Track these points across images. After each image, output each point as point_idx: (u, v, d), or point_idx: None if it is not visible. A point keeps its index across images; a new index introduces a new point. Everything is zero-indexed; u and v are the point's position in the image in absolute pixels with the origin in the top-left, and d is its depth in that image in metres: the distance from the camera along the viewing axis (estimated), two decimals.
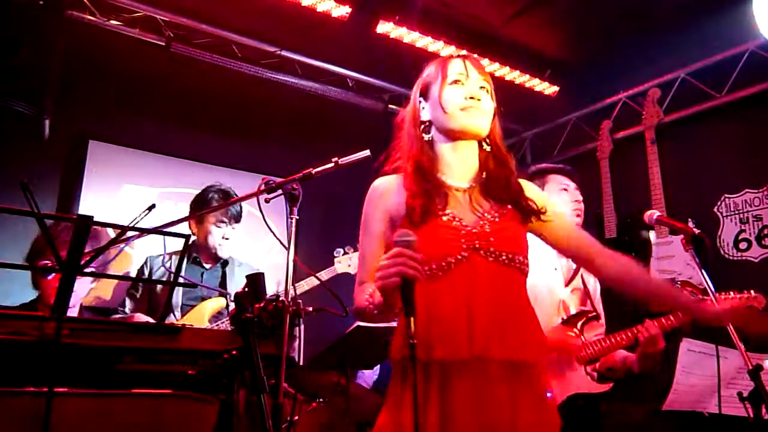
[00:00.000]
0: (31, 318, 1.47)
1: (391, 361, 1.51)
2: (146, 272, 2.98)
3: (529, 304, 1.51)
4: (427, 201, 1.50)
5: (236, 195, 3.11)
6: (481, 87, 1.59)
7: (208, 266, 3.06)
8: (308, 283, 3.00)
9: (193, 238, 3.13)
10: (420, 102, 1.65)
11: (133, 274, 3.23)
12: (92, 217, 1.44)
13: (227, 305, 2.94)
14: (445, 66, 1.61)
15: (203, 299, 2.96)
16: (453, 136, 1.58)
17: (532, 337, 1.46)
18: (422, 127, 1.62)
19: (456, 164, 1.59)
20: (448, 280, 1.43)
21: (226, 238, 3.05)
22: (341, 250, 3.24)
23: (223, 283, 3.05)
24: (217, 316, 2.94)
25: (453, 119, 1.56)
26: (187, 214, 3.16)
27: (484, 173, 1.60)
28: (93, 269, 2.55)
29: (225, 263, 3.08)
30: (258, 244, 3.50)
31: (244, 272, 3.12)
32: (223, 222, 3.04)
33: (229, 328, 2.81)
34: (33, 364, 1.40)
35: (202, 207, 3.03)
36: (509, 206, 1.55)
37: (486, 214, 1.52)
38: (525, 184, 1.66)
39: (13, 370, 1.40)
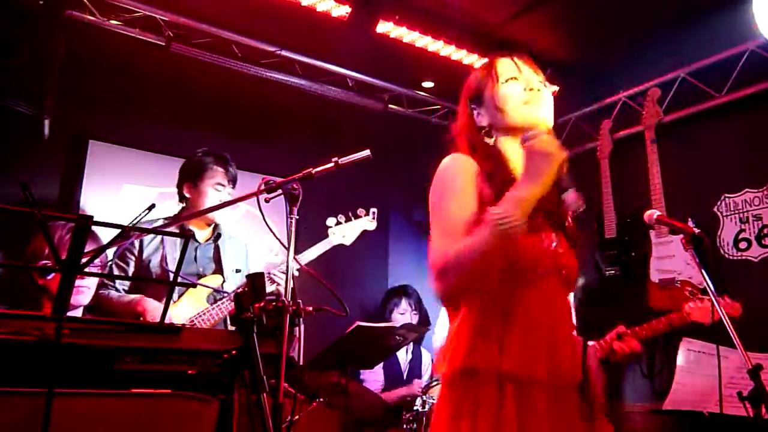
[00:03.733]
0: (31, 318, 1.47)
1: (451, 373, 1.41)
2: (137, 244, 2.86)
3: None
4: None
5: (229, 160, 3.08)
6: (539, 80, 1.53)
7: (201, 238, 2.98)
8: (308, 256, 2.98)
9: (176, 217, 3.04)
10: (474, 109, 1.57)
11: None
12: (92, 217, 1.44)
13: (223, 282, 2.89)
14: (494, 66, 1.54)
15: (199, 276, 2.90)
16: (518, 131, 1.49)
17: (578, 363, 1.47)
18: (483, 132, 1.54)
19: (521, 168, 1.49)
20: (526, 295, 1.38)
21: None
22: (334, 220, 3.14)
23: (216, 257, 2.98)
24: (214, 295, 2.88)
25: (516, 115, 1.49)
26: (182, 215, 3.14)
27: None
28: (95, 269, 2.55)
29: (217, 236, 3.02)
30: (258, 242, 3.49)
31: (233, 246, 3.08)
32: (221, 185, 2.99)
33: (229, 308, 2.77)
34: (33, 364, 1.40)
35: (196, 173, 2.98)
36: (561, 230, 1.49)
37: (552, 234, 1.45)
38: None
39: (13, 370, 1.40)
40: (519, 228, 1.27)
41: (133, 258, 2.86)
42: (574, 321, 1.54)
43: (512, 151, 1.52)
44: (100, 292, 2.77)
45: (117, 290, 2.82)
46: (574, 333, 1.48)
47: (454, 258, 1.32)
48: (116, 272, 2.85)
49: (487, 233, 1.29)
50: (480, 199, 1.41)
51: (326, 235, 3.11)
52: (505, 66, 1.54)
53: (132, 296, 2.78)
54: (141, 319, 2.63)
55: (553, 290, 1.42)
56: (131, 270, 2.85)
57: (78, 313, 2.57)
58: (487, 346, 1.36)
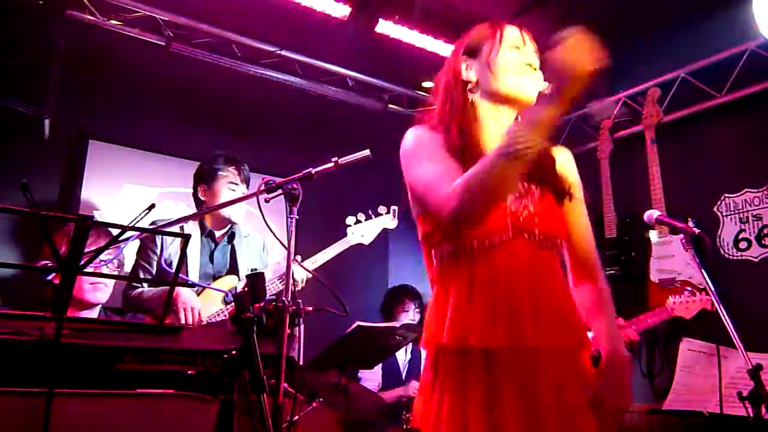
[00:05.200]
0: (31, 318, 1.47)
1: (427, 350, 1.45)
2: (158, 244, 2.88)
3: (567, 286, 1.47)
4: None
5: (241, 161, 3.08)
6: (538, 62, 1.52)
7: (218, 237, 2.98)
8: (316, 261, 2.96)
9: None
10: (465, 60, 1.55)
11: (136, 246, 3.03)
12: (92, 217, 1.44)
13: (238, 283, 2.90)
14: (502, 29, 1.54)
15: (215, 277, 2.91)
16: (502, 100, 1.50)
17: (573, 320, 1.42)
18: (468, 86, 1.53)
19: (497, 134, 1.48)
20: (488, 262, 1.37)
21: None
22: (353, 218, 3.09)
23: (233, 259, 2.98)
24: (226, 298, 2.87)
25: (509, 81, 1.47)
26: (186, 213, 3.14)
27: None
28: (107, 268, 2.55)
29: (232, 236, 3.02)
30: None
31: (249, 245, 3.07)
32: (235, 184, 2.99)
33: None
34: (33, 364, 1.40)
35: (209, 175, 2.99)
36: (545, 186, 1.48)
37: (526, 193, 1.45)
38: (560, 152, 1.58)
39: (13, 370, 1.40)
40: (531, 150, 1.22)
41: (155, 257, 2.87)
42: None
43: (488, 115, 1.51)
44: (130, 293, 2.84)
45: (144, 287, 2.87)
46: (565, 294, 1.45)
47: (461, 186, 1.30)
48: (141, 273, 2.88)
49: (495, 155, 1.25)
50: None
51: (330, 237, 3.09)
52: (512, 33, 1.54)
53: (162, 288, 2.81)
54: (175, 305, 2.66)
55: (522, 254, 1.38)
56: (154, 270, 2.87)
57: (95, 311, 2.57)
58: (450, 322, 1.36)
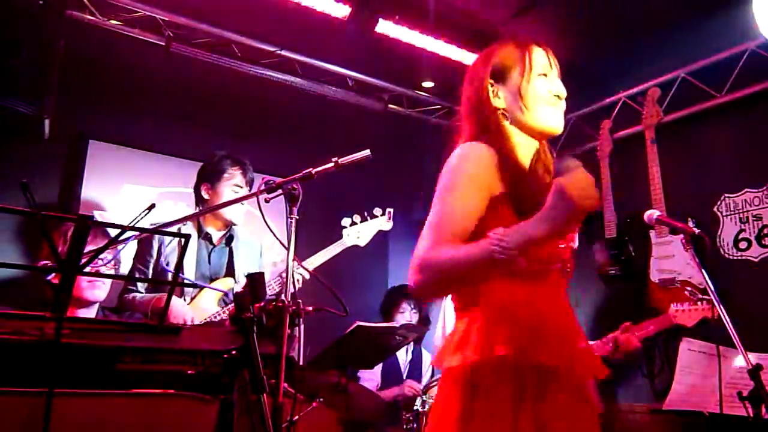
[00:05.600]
0: (31, 318, 1.47)
1: (458, 369, 1.34)
2: (155, 246, 2.89)
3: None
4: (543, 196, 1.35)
5: (248, 164, 3.08)
6: (562, 85, 1.51)
7: (216, 239, 2.99)
8: (311, 263, 2.95)
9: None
10: (492, 85, 1.49)
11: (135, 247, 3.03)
12: (92, 217, 1.44)
13: (234, 285, 2.89)
14: (531, 54, 1.49)
15: (211, 280, 2.91)
16: (531, 133, 1.48)
17: (591, 350, 1.48)
18: (498, 113, 1.48)
19: (525, 154, 1.48)
20: (538, 288, 1.37)
21: (242, 204, 2.97)
22: (349, 220, 3.09)
23: (230, 262, 2.99)
24: (224, 299, 2.89)
25: (538, 116, 1.46)
26: (186, 213, 3.14)
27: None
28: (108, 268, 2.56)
29: (230, 239, 3.02)
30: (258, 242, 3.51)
31: (247, 250, 3.08)
32: (239, 187, 3.00)
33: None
34: (33, 364, 1.40)
35: (215, 175, 2.99)
36: None
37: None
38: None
39: (13, 370, 1.40)
40: (512, 264, 1.21)
41: (152, 261, 2.87)
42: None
43: (520, 144, 1.48)
44: (125, 296, 2.84)
45: (140, 293, 2.85)
46: (578, 323, 1.48)
47: (435, 263, 1.28)
48: (138, 276, 2.88)
49: (478, 255, 1.23)
50: (490, 193, 1.37)
51: (329, 236, 3.09)
52: (540, 58, 1.50)
53: (152, 294, 2.81)
54: (167, 320, 2.65)
55: (556, 282, 1.42)
56: (150, 273, 2.87)
57: (93, 310, 2.58)
58: (500, 338, 1.30)
